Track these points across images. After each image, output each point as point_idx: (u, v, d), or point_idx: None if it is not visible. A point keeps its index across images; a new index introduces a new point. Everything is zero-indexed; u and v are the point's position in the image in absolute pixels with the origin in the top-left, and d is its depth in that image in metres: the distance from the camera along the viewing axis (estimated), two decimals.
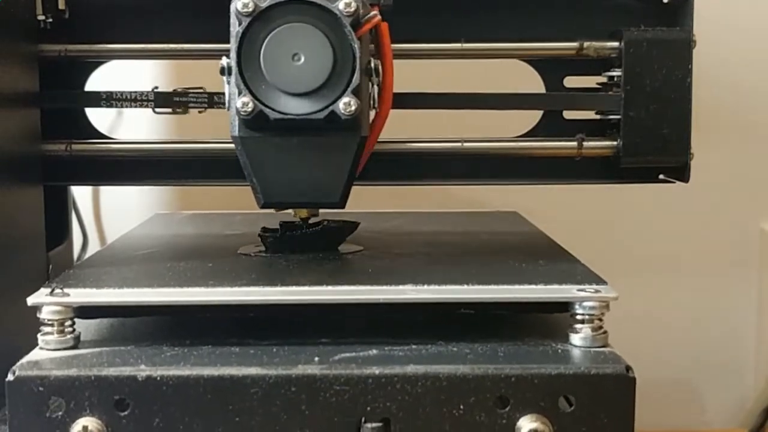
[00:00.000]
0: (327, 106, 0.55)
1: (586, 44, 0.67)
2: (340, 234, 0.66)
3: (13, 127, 0.64)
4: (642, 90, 0.65)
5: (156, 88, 0.69)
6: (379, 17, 0.56)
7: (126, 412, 0.48)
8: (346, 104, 0.55)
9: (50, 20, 0.67)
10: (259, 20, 0.55)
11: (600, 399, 0.49)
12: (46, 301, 0.52)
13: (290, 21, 0.55)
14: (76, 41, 0.69)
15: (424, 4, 0.68)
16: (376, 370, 0.49)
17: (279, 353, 0.51)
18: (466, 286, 0.54)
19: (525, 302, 0.53)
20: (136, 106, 0.69)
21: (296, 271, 0.60)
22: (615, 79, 0.67)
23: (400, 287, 0.54)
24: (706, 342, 1.02)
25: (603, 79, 0.69)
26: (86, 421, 0.48)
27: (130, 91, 0.69)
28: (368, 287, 0.54)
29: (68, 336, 0.52)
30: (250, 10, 0.54)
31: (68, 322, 0.53)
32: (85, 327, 0.55)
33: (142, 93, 0.69)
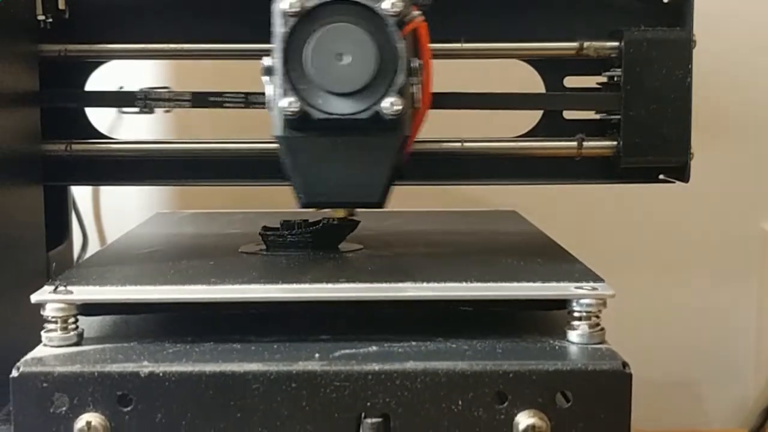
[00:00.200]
0: (371, 106, 0.55)
1: (586, 44, 0.67)
2: (340, 232, 0.66)
3: (13, 127, 0.64)
4: (642, 90, 0.65)
5: (121, 87, 0.70)
6: (421, 17, 0.56)
7: (129, 408, 0.49)
8: (391, 104, 0.55)
9: (50, 20, 0.67)
10: (304, 21, 0.55)
11: (597, 395, 0.49)
12: (49, 298, 0.53)
13: (335, 21, 0.55)
14: (76, 41, 0.69)
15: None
16: (376, 367, 0.49)
17: (280, 350, 0.52)
18: (465, 284, 0.54)
19: (523, 299, 0.54)
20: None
21: (297, 269, 0.60)
22: (615, 79, 0.67)
23: (400, 285, 0.54)
24: (706, 342, 1.02)
25: (603, 79, 0.69)
26: (90, 416, 0.49)
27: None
28: (368, 285, 0.54)
29: (71, 333, 0.53)
30: (297, 10, 0.54)
31: (71, 319, 0.53)
32: (88, 324, 0.55)
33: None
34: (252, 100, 0.67)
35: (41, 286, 0.54)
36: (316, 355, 0.51)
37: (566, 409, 0.49)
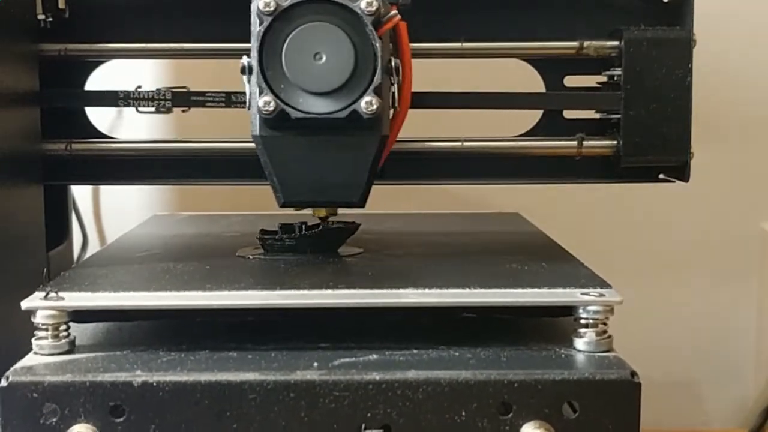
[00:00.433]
0: (349, 105, 0.55)
1: (586, 43, 0.67)
2: (340, 236, 0.65)
3: (13, 127, 0.64)
4: (642, 89, 0.65)
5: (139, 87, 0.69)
6: (399, 16, 0.56)
7: (122, 419, 0.48)
8: (368, 103, 0.55)
9: (50, 20, 0.67)
10: (280, 19, 0.55)
11: (605, 405, 0.48)
12: (40, 305, 0.52)
13: (311, 20, 0.55)
14: (76, 41, 0.68)
15: (424, 3, 0.67)
16: (377, 376, 0.48)
17: (277, 358, 0.51)
18: (468, 290, 0.53)
19: (528, 306, 0.53)
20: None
21: (295, 274, 0.59)
22: (615, 78, 0.67)
23: (401, 291, 0.53)
24: (706, 342, 1.02)
25: (603, 78, 0.69)
26: (81, 427, 0.48)
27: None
28: (368, 291, 0.54)
29: (63, 341, 0.52)
30: (272, 9, 0.55)
31: (63, 327, 0.52)
32: (81, 331, 0.54)
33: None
34: (234, 99, 0.67)
35: (41, 287, 0.54)
36: (315, 363, 0.50)
37: (573, 420, 0.48)
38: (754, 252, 1.00)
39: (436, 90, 0.67)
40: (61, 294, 0.53)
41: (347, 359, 0.51)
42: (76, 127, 0.70)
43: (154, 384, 0.48)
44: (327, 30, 0.55)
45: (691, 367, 1.02)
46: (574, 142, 0.68)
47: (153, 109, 0.68)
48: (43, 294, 0.53)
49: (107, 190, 1.00)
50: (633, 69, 0.65)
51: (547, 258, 0.62)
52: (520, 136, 0.70)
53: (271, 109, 0.55)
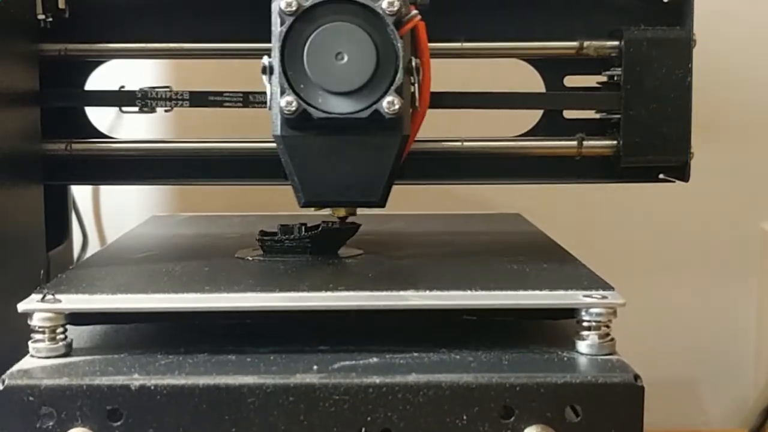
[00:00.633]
0: (371, 105, 0.55)
1: (586, 43, 0.67)
2: (340, 237, 0.65)
3: (13, 127, 0.63)
4: (642, 89, 0.65)
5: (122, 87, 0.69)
6: (419, 17, 0.56)
7: (119, 423, 0.47)
8: (390, 103, 0.55)
9: (50, 19, 0.67)
10: (302, 20, 0.55)
11: (608, 409, 0.48)
12: (36, 307, 0.51)
13: (333, 20, 0.55)
14: (76, 40, 0.68)
15: None
16: (377, 379, 0.48)
17: (276, 361, 0.50)
18: (469, 292, 0.53)
19: (530, 309, 0.53)
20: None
21: (294, 276, 0.59)
22: (615, 78, 0.67)
23: (402, 293, 0.53)
24: (706, 342, 1.02)
25: (603, 78, 0.69)
26: (78, 431, 0.47)
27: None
28: (368, 293, 0.53)
29: (60, 343, 0.51)
30: (294, 9, 0.55)
31: (60, 329, 0.52)
32: (78, 333, 0.54)
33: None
34: (251, 99, 0.67)
35: (40, 287, 0.53)
36: (315, 367, 0.49)
37: (576, 424, 0.48)
38: (754, 252, 1.00)
39: (436, 90, 0.67)
40: (58, 296, 0.52)
41: (347, 362, 0.50)
42: (76, 127, 0.70)
43: (152, 387, 0.47)
44: (349, 30, 0.55)
45: (691, 367, 1.02)
46: (574, 142, 0.68)
47: (137, 108, 0.68)
48: (39, 296, 0.52)
49: (107, 190, 1.00)
50: (633, 69, 0.65)
51: (548, 259, 0.62)
52: (520, 136, 0.70)
53: (293, 109, 0.55)
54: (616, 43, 0.66)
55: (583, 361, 0.51)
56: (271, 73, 0.56)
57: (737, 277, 1.01)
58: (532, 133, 0.70)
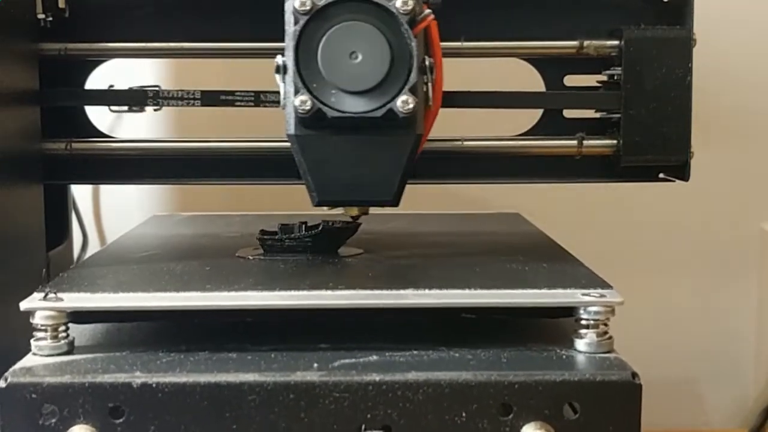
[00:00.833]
0: (385, 104, 0.55)
1: (586, 43, 0.67)
2: (340, 236, 0.65)
3: (13, 126, 0.63)
4: (642, 88, 0.65)
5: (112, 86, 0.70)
6: (432, 16, 0.56)
7: (121, 420, 0.48)
8: (404, 102, 0.55)
9: (50, 19, 0.67)
10: (316, 19, 0.55)
11: (605, 406, 0.48)
12: (39, 306, 0.51)
13: (347, 19, 0.55)
14: (76, 40, 0.68)
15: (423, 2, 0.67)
16: (377, 377, 0.48)
17: (277, 359, 0.51)
18: (468, 291, 0.53)
19: (529, 307, 0.53)
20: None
21: (295, 275, 0.59)
22: (615, 77, 0.67)
23: (401, 291, 0.53)
24: (706, 342, 1.02)
25: (603, 77, 0.68)
26: (80, 428, 0.48)
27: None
28: (368, 292, 0.53)
29: (62, 341, 0.52)
30: (308, 8, 0.54)
31: (62, 328, 0.52)
32: (80, 332, 0.54)
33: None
34: (263, 98, 0.67)
35: (41, 287, 0.53)
36: (315, 365, 0.50)
37: (574, 421, 0.48)
38: (754, 252, 1.00)
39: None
40: (60, 295, 0.52)
41: (347, 360, 0.50)
42: (77, 127, 0.70)
43: (154, 385, 0.48)
44: (363, 29, 0.55)
45: (691, 367, 1.02)
46: (574, 142, 0.68)
47: (126, 108, 0.69)
48: (42, 295, 0.52)
49: (107, 190, 1.00)
50: (633, 68, 0.65)
51: (547, 258, 0.62)
52: (520, 135, 0.70)
53: (308, 108, 0.55)
54: (616, 42, 0.66)
55: (581, 358, 0.51)
56: (285, 72, 0.55)
57: (737, 277, 1.01)
58: (532, 133, 0.70)
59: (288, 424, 0.48)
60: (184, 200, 0.98)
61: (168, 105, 0.68)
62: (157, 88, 0.68)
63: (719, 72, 0.94)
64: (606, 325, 0.52)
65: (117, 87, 0.70)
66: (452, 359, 0.51)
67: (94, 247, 0.97)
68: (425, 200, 0.87)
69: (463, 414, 0.48)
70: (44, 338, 0.51)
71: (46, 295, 0.52)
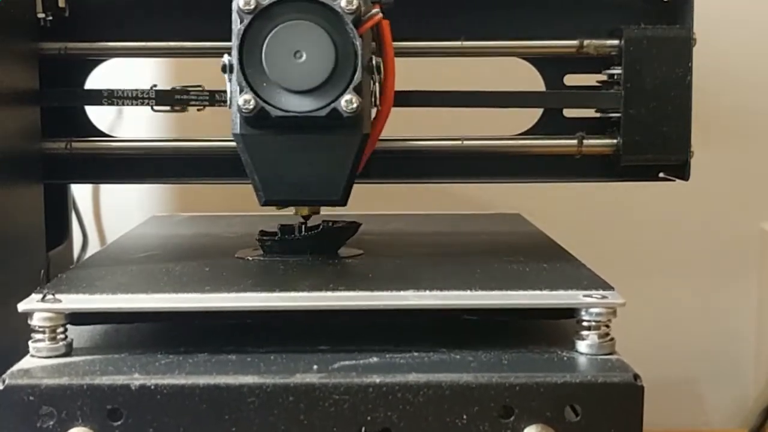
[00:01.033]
0: (329, 104, 0.55)
1: (586, 42, 0.67)
2: (340, 237, 0.65)
3: (13, 126, 0.63)
4: (642, 88, 0.65)
5: (155, 86, 0.69)
6: (380, 15, 0.56)
7: (119, 422, 0.48)
8: (348, 101, 0.55)
9: (50, 18, 0.67)
10: (260, 18, 0.55)
11: (607, 408, 0.48)
12: (37, 307, 0.51)
13: (292, 18, 0.55)
14: (76, 39, 0.68)
15: (424, 2, 0.67)
16: (377, 379, 0.48)
17: (277, 361, 0.50)
18: (469, 292, 0.53)
19: (530, 308, 0.53)
20: (136, 104, 0.68)
21: (295, 276, 0.59)
22: (615, 77, 0.67)
23: (402, 293, 0.53)
24: (706, 342, 1.02)
25: (603, 77, 0.68)
26: (78, 431, 0.47)
27: (130, 89, 0.68)
28: (368, 293, 0.53)
29: (60, 343, 0.51)
30: (252, 7, 0.54)
31: (60, 329, 0.52)
32: (78, 333, 0.54)
33: (142, 91, 0.68)
34: (218, 98, 0.67)
35: (40, 287, 0.53)
36: (315, 366, 0.50)
37: (575, 423, 0.48)
38: (754, 252, 1.00)
39: (436, 89, 0.67)
40: (58, 296, 0.52)
41: (347, 362, 0.50)
42: (77, 126, 0.70)
43: (152, 387, 0.48)
44: (307, 28, 0.55)
45: (691, 367, 1.02)
46: (574, 141, 0.68)
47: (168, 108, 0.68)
48: (40, 296, 0.52)
49: (107, 190, 1.00)
50: (633, 67, 0.65)
51: (548, 259, 0.62)
52: (520, 135, 0.70)
53: (251, 107, 0.55)
54: (616, 41, 0.66)
55: (582, 360, 0.51)
56: (231, 71, 0.55)
57: (737, 277, 1.01)
58: (532, 132, 0.70)
59: (287, 426, 0.48)
60: (184, 200, 0.98)
61: (122, 104, 0.68)
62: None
63: (719, 72, 0.94)
64: (608, 326, 0.51)
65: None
66: (453, 361, 0.51)
67: (94, 247, 0.97)
68: (425, 200, 0.87)
69: (464, 416, 0.48)
70: (42, 340, 0.51)
71: (45, 296, 0.52)
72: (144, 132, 0.92)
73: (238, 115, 0.56)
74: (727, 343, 1.01)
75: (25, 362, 0.50)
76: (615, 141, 0.67)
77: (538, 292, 0.53)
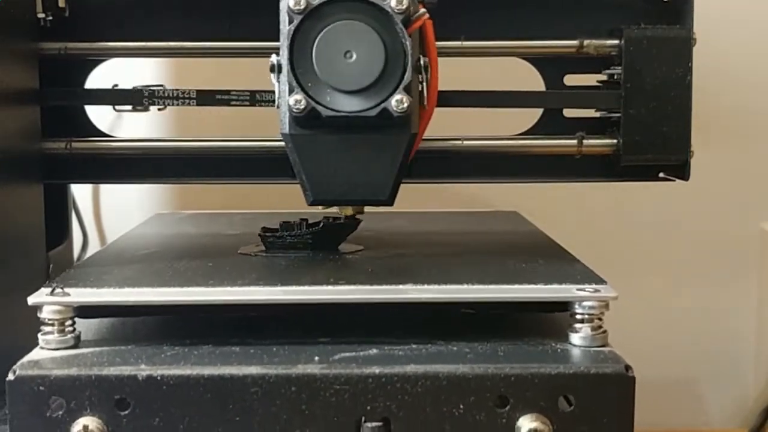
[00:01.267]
0: (379, 104, 0.55)
1: (586, 42, 0.67)
2: (341, 233, 0.65)
3: (13, 126, 0.63)
4: (642, 88, 0.65)
5: (116, 85, 0.70)
6: (427, 15, 0.57)
7: (126, 412, 0.48)
8: (399, 101, 0.55)
9: (50, 18, 0.67)
10: (310, 18, 0.55)
11: (600, 398, 0.49)
12: (46, 300, 0.52)
13: (342, 18, 0.55)
14: (76, 39, 0.68)
15: (423, 1, 0.67)
16: (376, 370, 0.49)
17: (279, 353, 0.51)
18: (466, 286, 0.54)
19: (525, 302, 0.53)
20: (177, 104, 0.68)
21: (296, 271, 0.59)
22: (615, 77, 0.67)
23: (401, 287, 0.54)
24: (706, 342, 1.01)
25: (603, 77, 0.69)
26: (87, 420, 0.48)
27: (171, 89, 0.69)
28: (368, 287, 0.54)
29: (69, 335, 0.52)
30: (302, 7, 0.55)
31: (69, 322, 0.52)
32: (86, 326, 0.55)
33: (183, 91, 0.68)
34: (258, 98, 0.67)
35: (41, 287, 0.54)
36: (316, 358, 0.50)
37: (569, 413, 0.49)
38: (754, 252, 1.00)
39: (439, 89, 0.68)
40: (66, 290, 0.53)
41: (347, 353, 0.51)
42: (77, 126, 0.70)
43: (159, 378, 0.48)
44: (357, 28, 0.55)
45: (691, 366, 1.01)
46: (574, 141, 0.68)
47: (130, 107, 0.69)
48: (49, 290, 0.53)
49: (107, 190, 1.00)
50: (633, 67, 0.65)
51: (544, 255, 0.63)
52: (520, 134, 0.70)
53: (302, 107, 0.55)
54: (616, 41, 0.66)
55: (576, 352, 0.51)
56: (280, 71, 0.55)
57: (737, 277, 1.00)
58: (532, 132, 0.70)
59: (290, 416, 0.49)
60: (184, 200, 0.98)
61: (164, 104, 0.68)
62: (159, 88, 0.68)
63: (719, 72, 0.94)
64: (600, 319, 0.52)
65: (121, 86, 0.70)
66: (450, 352, 0.51)
67: (94, 247, 0.97)
68: (425, 199, 0.87)
69: (461, 406, 0.49)
70: (51, 332, 0.52)
71: (53, 290, 0.53)
72: (144, 132, 0.92)
73: (288, 114, 0.56)
74: (727, 343, 1.01)
75: (35, 354, 0.51)
76: (615, 141, 0.67)
77: (533, 286, 0.54)
